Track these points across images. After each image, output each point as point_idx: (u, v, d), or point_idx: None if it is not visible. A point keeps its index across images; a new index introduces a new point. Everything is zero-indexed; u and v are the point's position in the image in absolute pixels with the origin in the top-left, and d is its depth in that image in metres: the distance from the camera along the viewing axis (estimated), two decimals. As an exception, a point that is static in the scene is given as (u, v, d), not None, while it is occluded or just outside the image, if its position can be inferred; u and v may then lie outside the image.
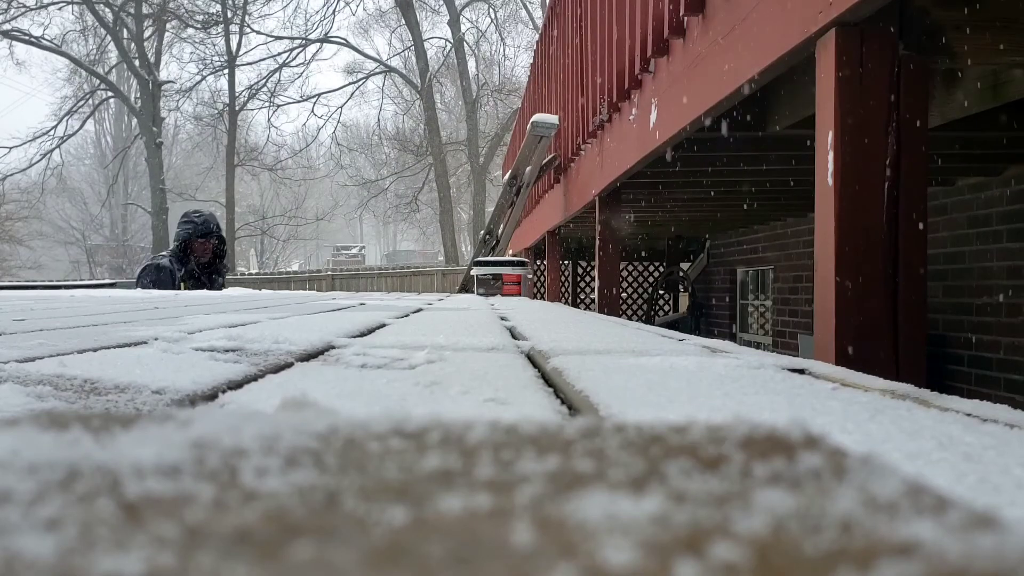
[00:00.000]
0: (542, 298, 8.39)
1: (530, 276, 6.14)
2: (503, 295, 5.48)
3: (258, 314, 2.39)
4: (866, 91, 1.61)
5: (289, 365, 1.10)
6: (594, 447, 0.31)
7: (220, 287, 6.19)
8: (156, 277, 5.99)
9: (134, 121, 25.78)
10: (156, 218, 22.90)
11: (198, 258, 6.08)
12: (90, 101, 24.58)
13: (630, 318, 9.12)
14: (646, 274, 9.72)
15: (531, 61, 8.66)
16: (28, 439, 0.30)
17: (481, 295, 5.48)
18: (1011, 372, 3.83)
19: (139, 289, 5.97)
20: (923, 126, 1.65)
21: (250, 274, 19.95)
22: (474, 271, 5.84)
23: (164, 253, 6.26)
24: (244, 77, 41.56)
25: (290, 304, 3.37)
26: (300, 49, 24.76)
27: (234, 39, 23.66)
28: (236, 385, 0.90)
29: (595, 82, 4.37)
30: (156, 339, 1.33)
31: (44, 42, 22.83)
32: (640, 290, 9.69)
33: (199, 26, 23.23)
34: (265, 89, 24.60)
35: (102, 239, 31.79)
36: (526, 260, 6.07)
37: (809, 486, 0.26)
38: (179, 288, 6.01)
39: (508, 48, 37.77)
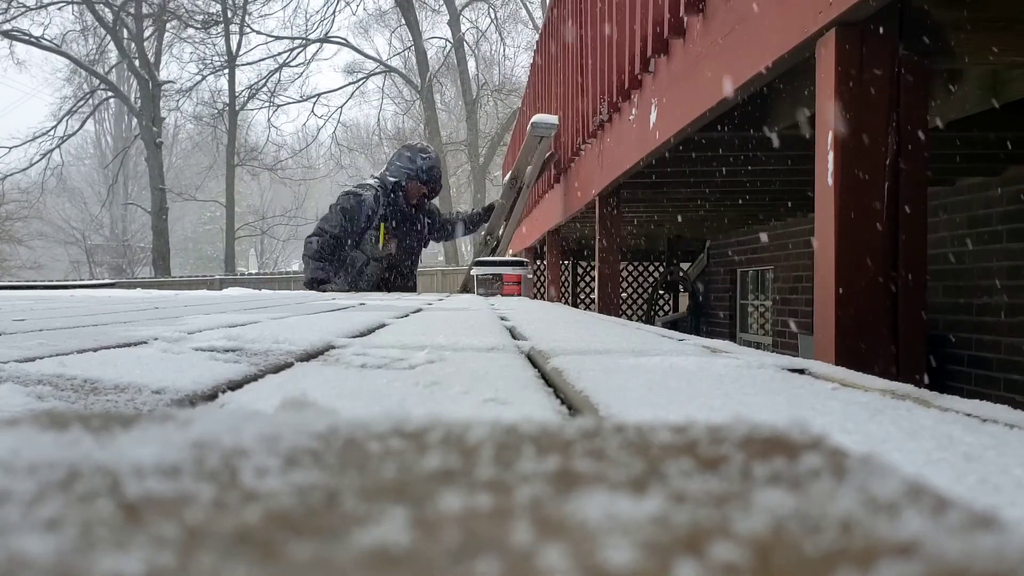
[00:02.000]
0: (542, 298, 8.39)
1: (530, 276, 6.13)
2: (503, 295, 5.48)
3: (258, 314, 2.39)
4: (866, 91, 1.61)
5: (289, 365, 1.10)
6: (594, 447, 0.31)
7: (428, 231, 5.77)
8: (350, 204, 5.58)
9: (134, 121, 25.78)
10: (156, 218, 22.89)
11: (407, 199, 5.71)
12: (90, 101, 24.59)
13: (630, 318, 9.12)
14: (646, 274, 9.72)
15: (531, 61, 8.66)
16: (28, 439, 0.30)
17: (481, 295, 5.48)
18: (1011, 372, 3.83)
19: (334, 212, 5.52)
20: (923, 126, 1.65)
21: (250, 274, 19.94)
22: (474, 271, 5.84)
23: (370, 183, 5.78)
24: (244, 77, 41.64)
25: (290, 304, 3.37)
26: (300, 49, 24.79)
27: (234, 39, 23.69)
28: (236, 385, 0.90)
29: (595, 82, 4.37)
30: (156, 339, 1.33)
31: (44, 42, 22.83)
32: (640, 290, 9.69)
33: (199, 26, 23.24)
34: (265, 89, 24.64)
35: (102, 239, 31.80)
36: (526, 260, 6.06)
37: (809, 486, 0.26)
38: (375, 228, 5.59)
39: (508, 48, 37.82)
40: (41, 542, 0.20)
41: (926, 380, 1.55)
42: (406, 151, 5.89)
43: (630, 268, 9.64)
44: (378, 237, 5.65)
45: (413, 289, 6.10)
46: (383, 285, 5.83)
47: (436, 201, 6.32)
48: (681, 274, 9.25)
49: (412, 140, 6.08)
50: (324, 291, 5.48)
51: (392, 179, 5.74)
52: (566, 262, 9.55)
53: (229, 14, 23.33)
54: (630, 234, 7.91)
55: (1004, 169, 3.78)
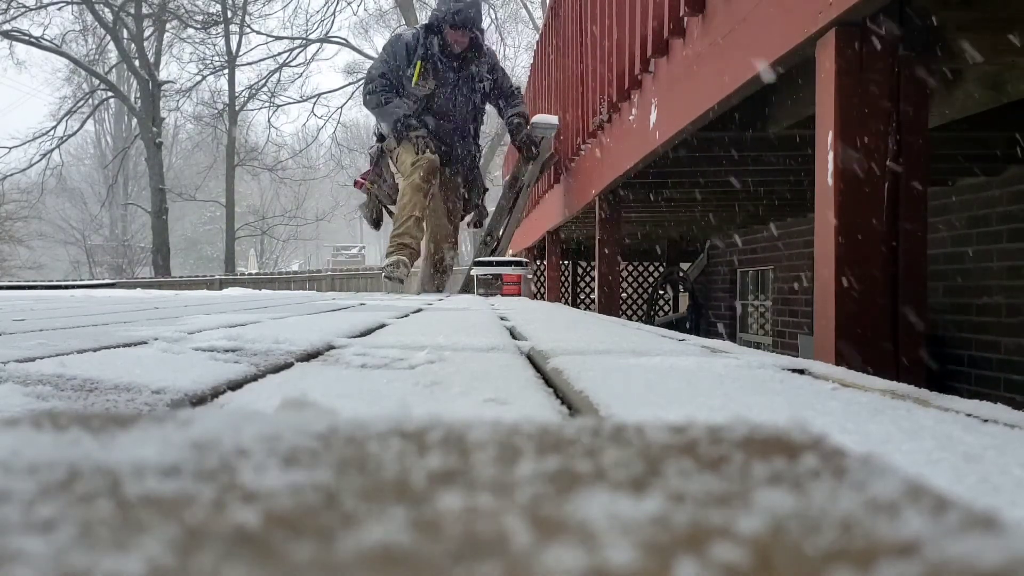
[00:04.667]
0: (542, 298, 8.39)
1: (530, 276, 6.14)
2: (503, 295, 5.48)
3: (258, 314, 2.39)
4: (866, 91, 1.61)
5: (289, 365, 1.10)
6: (594, 447, 0.31)
7: (483, 99, 5.69)
8: (388, 42, 5.65)
9: (134, 121, 25.75)
10: (156, 218, 22.86)
11: (449, 46, 5.58)
12: (90, 101, 24.57)
13: (630, 318, 9.11)
14: (646, 274, 9.71)
15: (531, 61, 8.66)
16: (28, 439, 0.30)
17: (481, 295, 5.48)
18: (1011, 372, 3.83)
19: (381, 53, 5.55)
20: (923, 126, 1.65)
21: (250, 274, 19.93)
22: (474, 271, 5.84)
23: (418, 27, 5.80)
24: (244, 77, 41.63)
25: (290, 304, 3.37)
26: (300, 49, 24.75)
27: (234, 39, 23.66)
28: (236, 385, 0.90)
29: (595, 82, 4.37)
30: (156, 339, 1.33)
31: (44, 42, 22.80)
32: (640, 290, 9.68)
33: (199, 26, 23.22)
34: (265, 89, 24.61)
35: (102, 239, 31.78)
36: (526, 260, 6.07)
37: (809, 486, 0.26)
38: (412, 66, 5.51)
39: (508, 48, 37.70)
40: (41, 542, 0.20)
41: (926, 380, 1.55)
42: None
43: (630, 268, 9.63)
44: (413, 76, 5.56)
45: (474, 158, 6.06)
46: (442, 140, 5.72)
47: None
48: (681, 274, 9.24)
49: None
50: (403, 122, 5.42)
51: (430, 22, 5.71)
52: (566, 262, 9.55)
53: (229, 14, 23.31)
54: (630, 234, 7.91)
55: (1004, 169, 3.78)
